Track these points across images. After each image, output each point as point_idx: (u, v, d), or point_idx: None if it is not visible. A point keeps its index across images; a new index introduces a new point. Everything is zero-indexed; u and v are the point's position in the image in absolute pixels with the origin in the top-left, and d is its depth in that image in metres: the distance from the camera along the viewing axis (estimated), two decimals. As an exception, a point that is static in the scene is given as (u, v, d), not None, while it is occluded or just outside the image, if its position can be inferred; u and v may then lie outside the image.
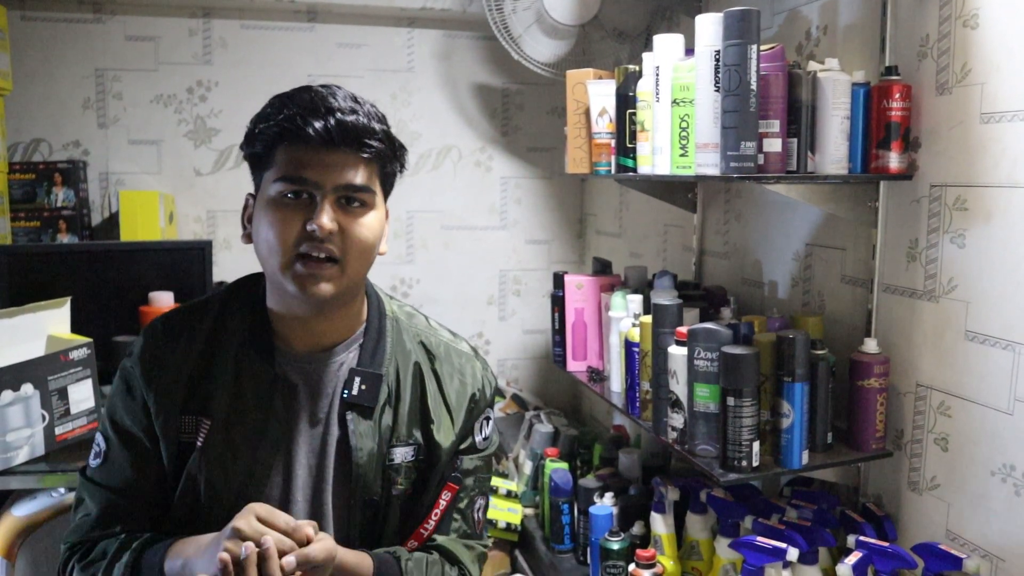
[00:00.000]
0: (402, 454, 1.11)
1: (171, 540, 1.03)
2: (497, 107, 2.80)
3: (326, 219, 0.98)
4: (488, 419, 1.21)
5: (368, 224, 1.03)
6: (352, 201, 1.02)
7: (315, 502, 1.08)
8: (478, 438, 1.18)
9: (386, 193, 1.09)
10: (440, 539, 1.15)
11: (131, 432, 1.07)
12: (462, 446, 1.17)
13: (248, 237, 1.07)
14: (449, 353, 1.18)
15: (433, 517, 1.14)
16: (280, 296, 1.07)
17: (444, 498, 1.14)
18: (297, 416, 1.08)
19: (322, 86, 1.03)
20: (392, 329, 1.15)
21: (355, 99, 1.02)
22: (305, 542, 0.95)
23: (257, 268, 1.11)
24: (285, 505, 1.07)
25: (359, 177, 1.01)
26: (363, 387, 1.08)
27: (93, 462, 1.10)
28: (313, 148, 0.99)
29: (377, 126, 1.02)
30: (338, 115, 0.99)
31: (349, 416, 1.08)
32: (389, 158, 1.06)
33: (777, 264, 1.82)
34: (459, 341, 1.21)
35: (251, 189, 1.09)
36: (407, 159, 1.11)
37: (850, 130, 1.40)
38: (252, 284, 1.14)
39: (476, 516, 1.20)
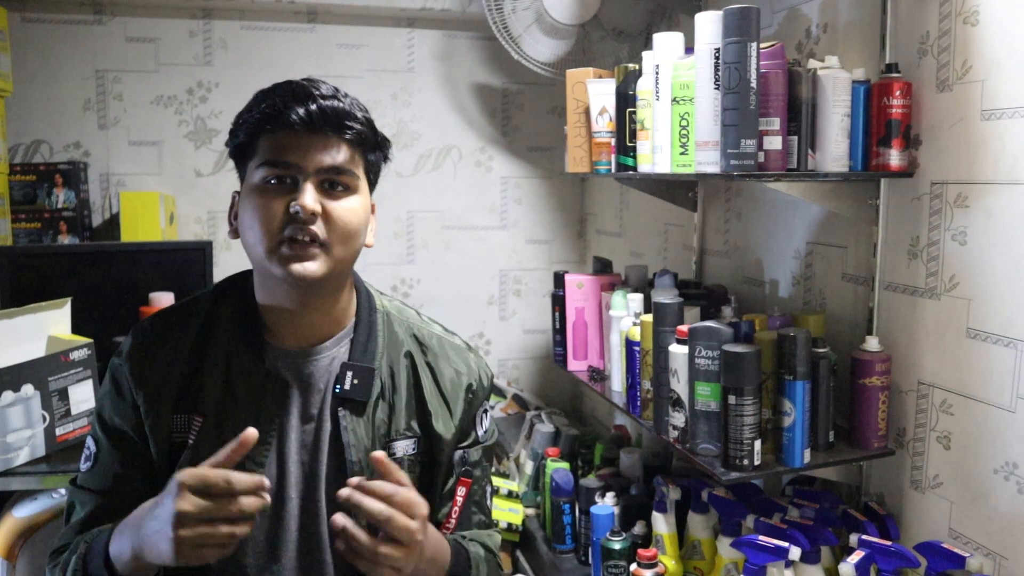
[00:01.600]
0: (403, 447, 1.11)
1: (116, 523, 1.00)
2: (497, 107, 2.79)
3: (309, 199, 0.98)
4: (486, 412, 1.21)
5: (352, 207, 1.03)
6: (335, 185, 1.02)
7: (309, 499, 1.08)
8: (480, 431, 1.19)
9: (371, 183, 1.10)
10: (465, 533, 1.16)
11: (120, 431, 1.07)
12: (465, 442, 1.17)
13: (235, 232, 1.07)
14: (443, 345, 1.18)
15: (453, 515, 1.14)
16: (268, 287, 1.06)
17: (460, 494, 1.15)
18: (288, 412, 1.07)
19: (304, 79, 1.04)
20: (383, 323, 1.15)
21: (336, 89, 1.04)
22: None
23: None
24: (278, 503, 1.06)
25: (341, 158, 1.01)
26: (355, 381, 1.08)
27: (83, 466, 1.09)
28: (295, 133, 0.99)
29: (359, 113, 1.04)
30: (319, 100, 1.00)
31: (341, 411, 1.07)
32: (372, 145, 1.07)
33: (778, 262, 1.81)
34: (451, 335, 1.21)
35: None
36: (394, 152, 1.11)
37: (850, 128, 1.39)
38: (241, 281, 1.13)
39: (488, 504, 1.21)
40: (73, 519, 1.08)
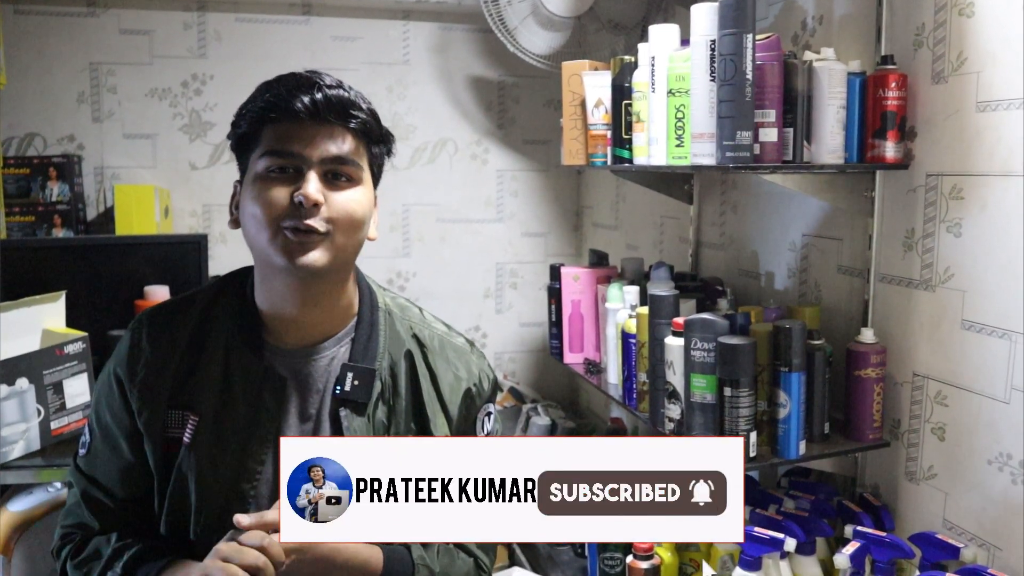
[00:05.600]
0: None
1: (164, 561, 1.02)
2: (493, 100, 2.79)
3: (312, 189, 0.97)
4: (489, 414, 1.18)
5: (356, 198, 1.02)
6: (339, 176, 1.01)
7: None
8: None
9: (375, 176, 1.08)
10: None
11: (113, 429, 1.07)
12: None
13: (236, 222, 1.06)
14: (443, 346, 1.15)
15: None
16: (269, 282, 1.05)
17: None
18: (286, 411, 1.06)
19: (308, 71, 1.03)
20: (385, 322, 1.12)
21: (340, 81, 1.03)
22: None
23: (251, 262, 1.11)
24: (275, 501, 1.05)
25: (346, 148, 1.00)
26: (356, 382, 1.06)
27: (80, 451, 1.11)
28: (300, 122, 0.98)
29: (363, 104, 1.03)
30: (325, 90, 0.99)
31: (343, 412, 1.06)
32: (376, 136, 1.05)
33: (773, 255, 1.82)
34: (454, 335, 1.18)
35: (245, 180, 1.08)
36: (395, 147, 1.10)
37: (846, 120, 1.40)
38: (241, 277, 1.12)
39: None
40: (71, 498, 1.10)
